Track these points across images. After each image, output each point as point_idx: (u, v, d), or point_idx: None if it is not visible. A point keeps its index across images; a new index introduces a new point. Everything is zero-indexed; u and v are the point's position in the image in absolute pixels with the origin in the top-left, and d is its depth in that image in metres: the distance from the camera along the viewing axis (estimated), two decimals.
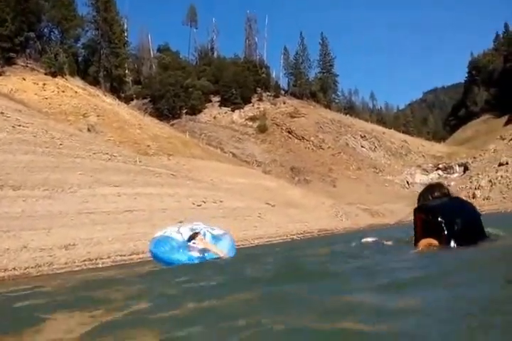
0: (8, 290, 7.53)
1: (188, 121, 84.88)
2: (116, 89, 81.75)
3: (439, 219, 4.55)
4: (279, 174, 71.78)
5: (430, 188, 5.23)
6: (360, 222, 49.81)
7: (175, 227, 10.51)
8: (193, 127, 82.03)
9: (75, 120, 49.55)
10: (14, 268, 17.83)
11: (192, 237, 10.35)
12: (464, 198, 5.32)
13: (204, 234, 10.59)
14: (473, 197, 53.01)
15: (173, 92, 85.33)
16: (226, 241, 10.39)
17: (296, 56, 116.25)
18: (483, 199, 51.84)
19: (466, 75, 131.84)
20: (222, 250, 9.92)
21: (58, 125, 39.36)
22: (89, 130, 47.02)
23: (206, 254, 9.43)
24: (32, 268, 18.39)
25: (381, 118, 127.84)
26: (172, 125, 77.55)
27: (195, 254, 9.24)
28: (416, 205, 5.08)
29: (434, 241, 4.60)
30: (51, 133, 34.06)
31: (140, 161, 37.91)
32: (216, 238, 10.48)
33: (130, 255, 22.44)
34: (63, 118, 47.56)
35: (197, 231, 10.39)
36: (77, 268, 19.35)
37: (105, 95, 65.33)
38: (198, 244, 9.57)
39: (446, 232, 4.49)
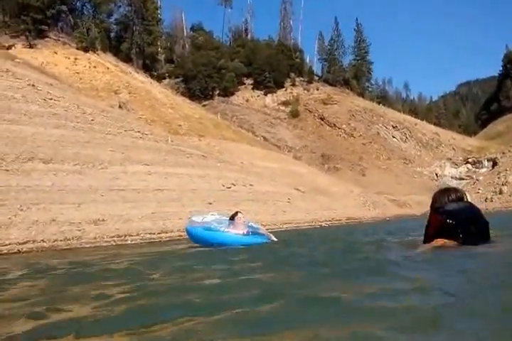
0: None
1: (220, 103, 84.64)
2: (149, 67, 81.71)
3: (455, 222, 4.82)
4: (310, 160, 71.31)
5: (447, 191, 5.39)
6: (387, 211, 49.40)
7: (199, 216, 10.76)
8: (225, 109, 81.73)
9: (107, 96, 49.36)
10: (43, 240, 17.61)
11: (232, 217, 10.40)
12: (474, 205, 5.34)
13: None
14: (500, 193, 52.68)
15: (205, 73, 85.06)
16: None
17: (330, 42, 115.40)
18: (510, 196, 51.47)
19: (501, 69, 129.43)
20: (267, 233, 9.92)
21: (89, 100, 39.19)
22: (120, 107, 46.75)
23: (256, 235, 9.60)
24: (61, 241, 18.16)
25: (414, 109, 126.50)
26: (204, 106, 77.29)
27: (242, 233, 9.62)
28: (431, 206, 5.30)
29: (448, 242, 4.91)
30: (82, 108, 33.82)
31: (172, 141, 37.60)
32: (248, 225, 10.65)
33: (159, 233, 22.21)
34: (94, 94, 47.40)
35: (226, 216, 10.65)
36: (105, 244, 19.13)
37: (137, 72, 65.20)
38: (238, 227, 9.77)
39: (461, 236, 4.81)
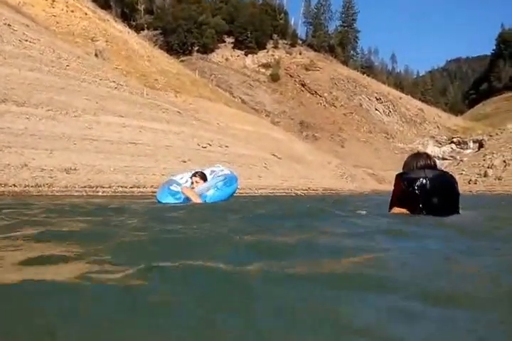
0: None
1: (198, 60, 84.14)
2: (127, 16, 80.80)
3: (417, 192, 4.63)
4: (288, 127, 71.59)
5: (416, 157, 5.19)
6: (365, 186, 50.07)
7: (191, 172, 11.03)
8: (203, 67, 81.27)
9: (83, 43, 48.83)
10: (14, 185, 17.84)
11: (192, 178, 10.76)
12: (450, 173, 5.21)
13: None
14: (485, 176, 53.40)
15: (185, 27, 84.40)
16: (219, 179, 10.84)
17: (317, 5, 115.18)
18: (495, 179, 52.15)
19: (494, 48, 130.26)
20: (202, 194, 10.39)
21: (66, 45, 38.77)
22: (96, 55, 46.34)
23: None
24: (32, 187, 18.39)
25: (399, 83, 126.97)
26: (182, 61, 76.72)
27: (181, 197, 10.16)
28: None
29: (405, 212, 4.80)
30: (58, 52, 33.54)
31: (147, 94, 37.62)
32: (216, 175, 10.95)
33: (131, 187, 22.51)
34: (71, 39, 46.83)
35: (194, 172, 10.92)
36: (76, 193, 19.36)
37: (115, 21, 64.39)
38: (184, 192, 10.20)
39: (421, 206, 4.65)
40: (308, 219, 5.18)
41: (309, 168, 45.26)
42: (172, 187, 10.23)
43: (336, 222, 4.74)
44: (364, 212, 6.09)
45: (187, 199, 9.70)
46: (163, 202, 9.88)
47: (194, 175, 10.26)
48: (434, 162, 5.15)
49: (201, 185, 10.06)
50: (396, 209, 4.91)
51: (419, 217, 4.55)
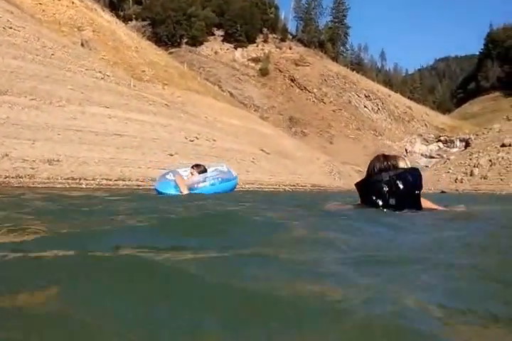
0: None
1: (187, 52, 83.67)
2: (115, 6, 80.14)
3: (374, 198, 4.74)
4: (276, 122, 71.44)
5: (373, 160, 5.11)
6: (352, 183, 49.80)
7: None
8: (192, 59, 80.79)
9: (69, 32, 48.12)
10: None
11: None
12: (411, 171, 5.06)
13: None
14: (471, 175, 53.62)
15: (174, 19, 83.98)
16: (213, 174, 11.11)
17: (308, 0, 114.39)
18: (481, 178, 52.48)
19: (482, 48, 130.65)
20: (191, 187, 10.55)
21: (51, 34, 38.21)
22: (82, 45, 45.74)
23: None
24: (12, 178, 17.87)
25: (388, 80, 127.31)
26: (170, 53, 76.23)
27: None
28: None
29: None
30: (43, 41, 33.00)
31: (134, 85, 37.13)
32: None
33: (116, 180, 22.04)
34: (57, 28, 46.12)
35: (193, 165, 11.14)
36: (59, 185, 18.86)
37: (103, 10, 63.65)
38: (177, 179, 10.40)
39: (381, 208, 4.72)
40: None
41: (297, 164, 45.00)
42: (168, 176, 10.69)
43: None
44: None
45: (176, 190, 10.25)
46: (162, 191, 10.39)
47: (192, 166, 11.08)
48: (393, 162, 5.00)
49: (194, 177, 10.56)
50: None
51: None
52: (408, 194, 4.77)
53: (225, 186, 11.23)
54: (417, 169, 5.10)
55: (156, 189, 10.77)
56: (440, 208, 5.14)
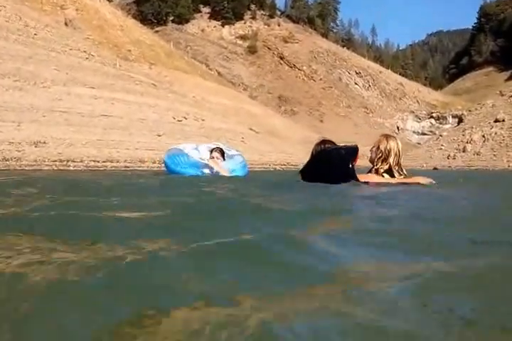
0: None
1: (173, 31, 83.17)
2: None
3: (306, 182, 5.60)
4: (266, 101, 71.27)
5: (315, 145, 6.11)
6: None
7: (193, 145, 10.80)
8: (179, 38, 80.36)
9: (52, 11, 47.64)
10: None
11: (210, 152, 10.51)
12: (350, 145, 6.09)
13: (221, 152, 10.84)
14: (464, 151, 53.72)
15: None
16: (237, 161, 10.71)
17: None
18: (474, 154, 52.55)
19: (475, 21, 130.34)
20: (229, 170, 10.19)
21: (33, 13, 37.92)
22: (66, 24, 45.36)
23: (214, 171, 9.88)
24: None
25: (379, 56, 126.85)
26: (156, 32, 75.74)
27: (206, 171, 9.73)
28: None
29: None
30: (25, 20, 32.81)
31: (120, 65, 36.97)
32: (229, 157, 10.82)
33: (104, 162, 22.04)
34: (39, 7, 45.64)
35: (214, 147, 10.65)
36: (46, 168, 18.89)
37: None
38: (211, 163, 9.91)
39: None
40: None
41: (287, 143, 45.08)
42: (194, 158, 9.87)
43: None
44: None
45: (210, 171, 9.62)
46: (184, 172, 9.59)
47: (215, 150, 10.22)
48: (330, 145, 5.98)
49: (225, 163, 10.04)
50: None
51: None
52: (337, 167, 5.59)
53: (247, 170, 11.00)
54: (352, 146, 5.92)
55: (170, 167, 10.01)
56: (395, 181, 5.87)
